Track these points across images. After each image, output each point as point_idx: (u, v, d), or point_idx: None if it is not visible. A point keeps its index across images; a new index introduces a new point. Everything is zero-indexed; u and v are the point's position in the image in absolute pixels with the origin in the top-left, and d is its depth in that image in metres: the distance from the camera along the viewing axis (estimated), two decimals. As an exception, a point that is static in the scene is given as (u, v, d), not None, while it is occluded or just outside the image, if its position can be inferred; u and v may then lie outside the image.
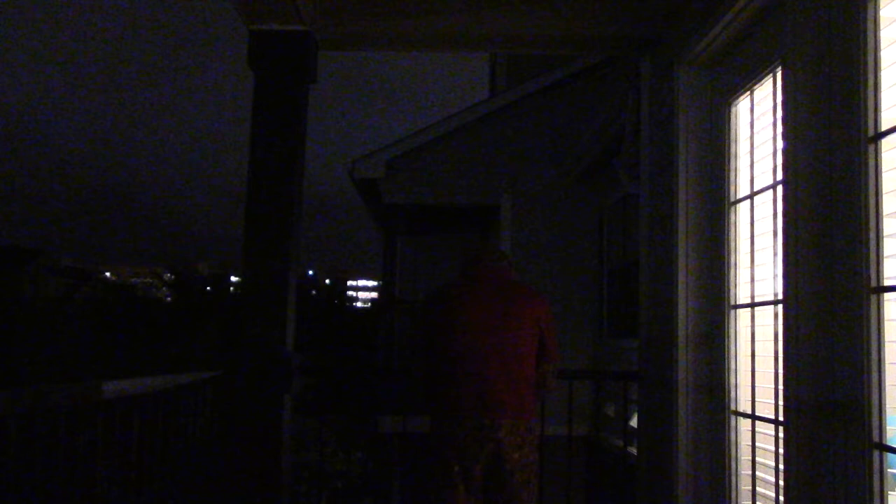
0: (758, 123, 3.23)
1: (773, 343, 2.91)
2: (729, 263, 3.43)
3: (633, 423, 4.71)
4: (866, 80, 2.27)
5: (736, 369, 3.37)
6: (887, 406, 2.21)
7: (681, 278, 3.61)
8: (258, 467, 3.55)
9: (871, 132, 2.26)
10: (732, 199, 3.43)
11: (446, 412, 3.21)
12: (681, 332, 3.60)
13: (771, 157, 3.03)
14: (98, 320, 26.22)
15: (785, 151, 2.73)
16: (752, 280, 3.21)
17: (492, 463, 3.13)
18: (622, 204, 7.73)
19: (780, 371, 2.79)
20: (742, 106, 3.40)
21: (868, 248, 2.23)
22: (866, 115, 2.27)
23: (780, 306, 2.79)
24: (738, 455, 3.34)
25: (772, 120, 3.02)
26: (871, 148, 2.26)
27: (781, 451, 2.78)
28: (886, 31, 2.30)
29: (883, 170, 2.24)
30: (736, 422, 3.36)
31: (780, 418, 2.81)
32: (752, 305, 3.21)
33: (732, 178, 3.44)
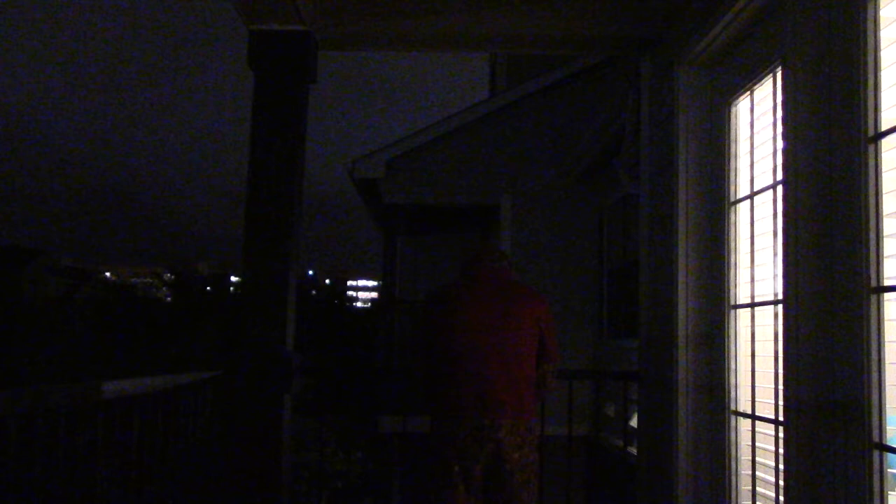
0: (758, 123, 3.23)
1: (773, 343, 2.91)
2: (729, 263, 3.42)
3: (633, 423, 4.71)
4: (866, 80, 2.27)
5: (736, 369, 3.36)
6: (887, 406, 2.21)
7: (681, 278, 3.61)
8: (258, 467, 3.55)
9: (871, 132, 2.26)
10: (732, 199, 3.43)
11: (446, 412, 3.21)
12: (681, 332, 3.60)
13: (771, 157, 3.03)
14: (98, 320, 26.28)
15: (785, 151, 2.73)
16: (752, 280, 3.20)
17: (492, 463, 3.13)
18: (622, 204, 7.73)
19: (780, 371, 2.79)
20: (742, 106, 3.40)
21: (868, 248, 2.22)
22: (866, 115, 2.27)
23: (780, 306, 2.79)
24: (738, 455, 3.34)
25: (772, 120, 3.02)
26: (871, 148, 2.26)
27: (781, 451, 2.78)
28: (886, 31, 2.30)
29: (883, 170, 2.24)
30: (736, 422, 3.36)
31: (780, 418, 2.81)
32: (752, 305, 3.21)
33: (732, 178, 3.44)
